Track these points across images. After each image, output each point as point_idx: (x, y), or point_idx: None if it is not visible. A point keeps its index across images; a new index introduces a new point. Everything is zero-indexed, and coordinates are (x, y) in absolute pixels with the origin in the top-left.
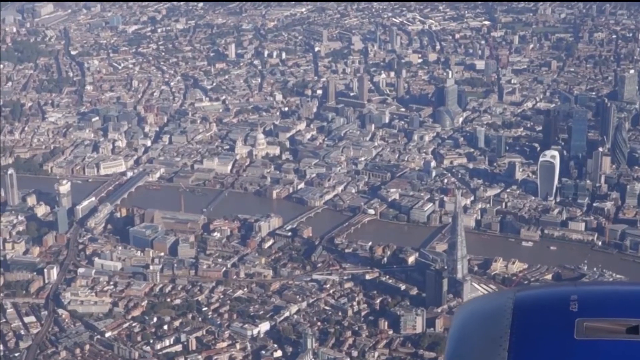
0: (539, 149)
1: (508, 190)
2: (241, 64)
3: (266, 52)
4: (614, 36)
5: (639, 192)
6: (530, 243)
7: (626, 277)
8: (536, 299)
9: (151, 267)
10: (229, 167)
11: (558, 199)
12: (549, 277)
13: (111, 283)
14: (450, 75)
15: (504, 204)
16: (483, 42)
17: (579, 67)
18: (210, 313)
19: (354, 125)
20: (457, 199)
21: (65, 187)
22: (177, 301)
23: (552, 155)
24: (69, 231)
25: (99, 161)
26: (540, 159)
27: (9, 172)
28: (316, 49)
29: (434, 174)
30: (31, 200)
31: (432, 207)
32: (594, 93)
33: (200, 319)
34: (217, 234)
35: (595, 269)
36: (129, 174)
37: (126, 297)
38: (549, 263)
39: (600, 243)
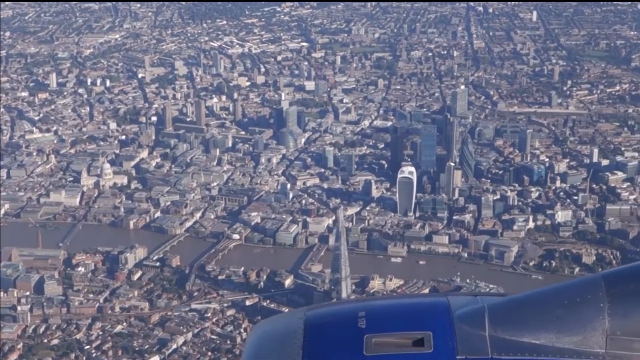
0: (386, 166)
1: (367, 208)
2: (65, 93)
3: (89, 80)
4: (430, 54)
5: (493, 203)
6: (399, 259)
7: (499, 286)
8: (326, 318)
9: (19, 308)
10: (78, 199)
11: (417, 214)
12: (426, 291)
13: None
14: (283, 97)
15: (366, 221)
16: (306, 63)
17: (404, 85)
18: (93, 351)
19: (198, 151)
20: (340, 218)
21: None
22: (55, 341)
23: (410, 171)
24: None
25: None
26: (399, 175)
27: None
28: (140, 75)
29: (291, 195)
30: None
31: (297, 228)
32: (425, 109)
33: (84, 358)
34: (81, 269)
35: (468, 280)
36: None
37: None
38: (422, 277)
39: (466, 255)
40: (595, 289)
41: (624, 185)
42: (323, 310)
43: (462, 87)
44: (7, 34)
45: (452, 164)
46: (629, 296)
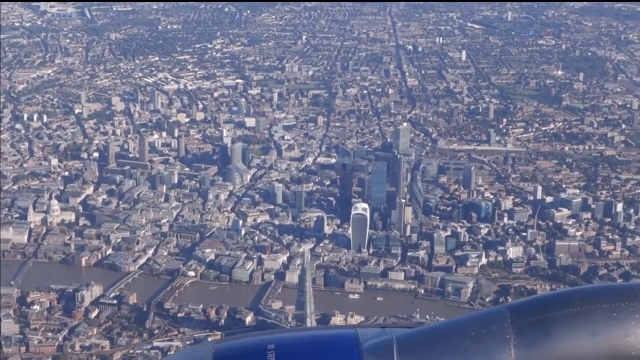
0: (335, 202)
1: (321, 244)
2: (1, 128)
3: (25, 116)
4: (366, 92)
5: (445, 240)
6: (356, 295)
7: None
8: (235, 351)
9: None
10: (26, 236)
11: (371, 251)
12: None
13: None
14: (225, 134)
15: (321, 258)
16: (243, 99)
17: (343, 122)
18: None
19: (144, 187)
20: (305, 255)
21: None
22: None
23: (364, 207)
24: None
25: None
26: (353, 212)
27: None
28: (76, 110)
29: (243, 232)
30: None
31: (252, 265)
32: (366, 146)
33: None
34: (37, 307)
35: (428, 316)
36: None
37: None
38: (382, 314)
39: (422, 291)
40: (501, 320)
41: (570, 222)
42: (232, 343)
43: (405, 124)
44: None
45: (403, 201)
46: (533, 327)
